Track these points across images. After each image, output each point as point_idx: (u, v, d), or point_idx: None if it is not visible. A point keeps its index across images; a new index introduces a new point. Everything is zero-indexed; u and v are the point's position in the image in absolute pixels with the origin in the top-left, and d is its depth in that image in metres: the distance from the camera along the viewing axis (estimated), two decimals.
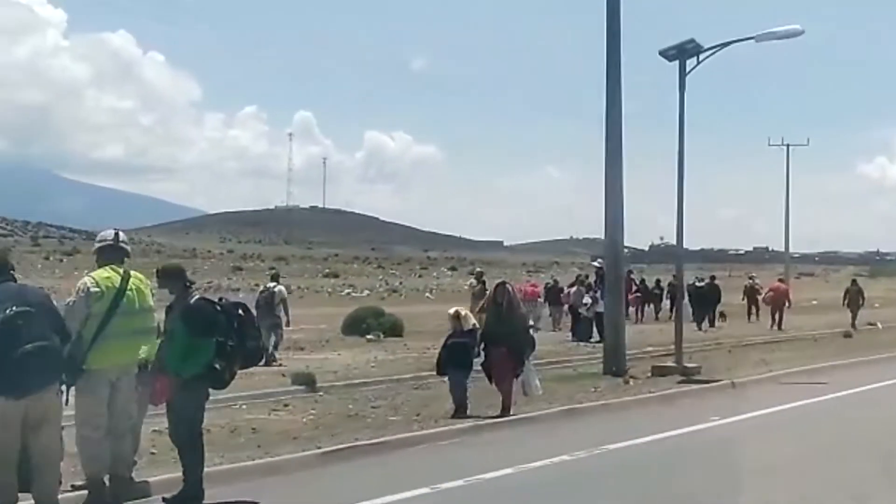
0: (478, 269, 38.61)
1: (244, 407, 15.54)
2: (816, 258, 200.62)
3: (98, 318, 9.04)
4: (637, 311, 40.59)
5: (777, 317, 36.99)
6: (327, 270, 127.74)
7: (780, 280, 45.61)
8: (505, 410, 14.67)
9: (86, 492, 9.20)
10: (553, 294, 35.50)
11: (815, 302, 55.98)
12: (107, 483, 9.24)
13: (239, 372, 9.58)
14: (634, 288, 41.21)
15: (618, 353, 20.73)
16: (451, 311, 15.56)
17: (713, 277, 40.94)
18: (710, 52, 21.16)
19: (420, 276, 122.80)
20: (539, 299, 34.60)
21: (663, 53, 21.00)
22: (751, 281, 42.47)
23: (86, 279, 9.29)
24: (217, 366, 9.17)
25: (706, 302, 37.38)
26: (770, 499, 10.05)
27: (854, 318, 37.55)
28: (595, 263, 34.33)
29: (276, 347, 22.97)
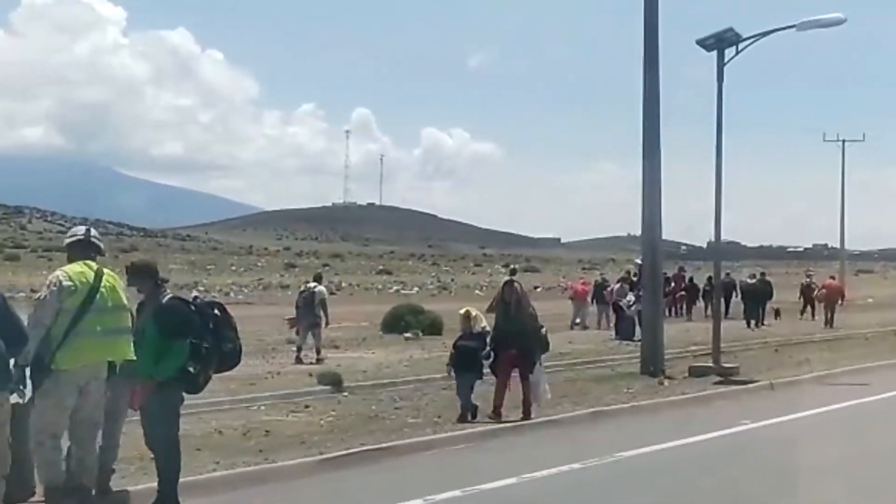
0: (512, 266, 38.18)
1: (262, 408, 15.28)
2: (876, 255, 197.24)
3: (70, 314, 8.56)
4: (685, 308, 40.02)
5: (829, 315, 36.22)
6: (381, 267, 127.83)
7: (833, 277, 44.76)
8: (526, 413, 14.23)
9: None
10: (599, 291, 35.01)
11: (871, 300, 54.99)
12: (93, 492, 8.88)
13: (214, 376, 9.16)
14: (683, 285, 40.69)
15: (655, 353, 20.38)
16: (462, 310, 15.06)
17: (763, 274, 40.39)
18: (750, 41, 20.66)
19: (473, 273, 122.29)
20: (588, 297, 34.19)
21: (701, 43, 20.64)
22: (808, 279, 41.62)
23: (58, 273, 8.78)
24: (191, 368, 8.76)
25: (757, 299, 36.71)
26: None
27: None
28: (638, 261, 33.78)
29: (318, 352, 22.97)
